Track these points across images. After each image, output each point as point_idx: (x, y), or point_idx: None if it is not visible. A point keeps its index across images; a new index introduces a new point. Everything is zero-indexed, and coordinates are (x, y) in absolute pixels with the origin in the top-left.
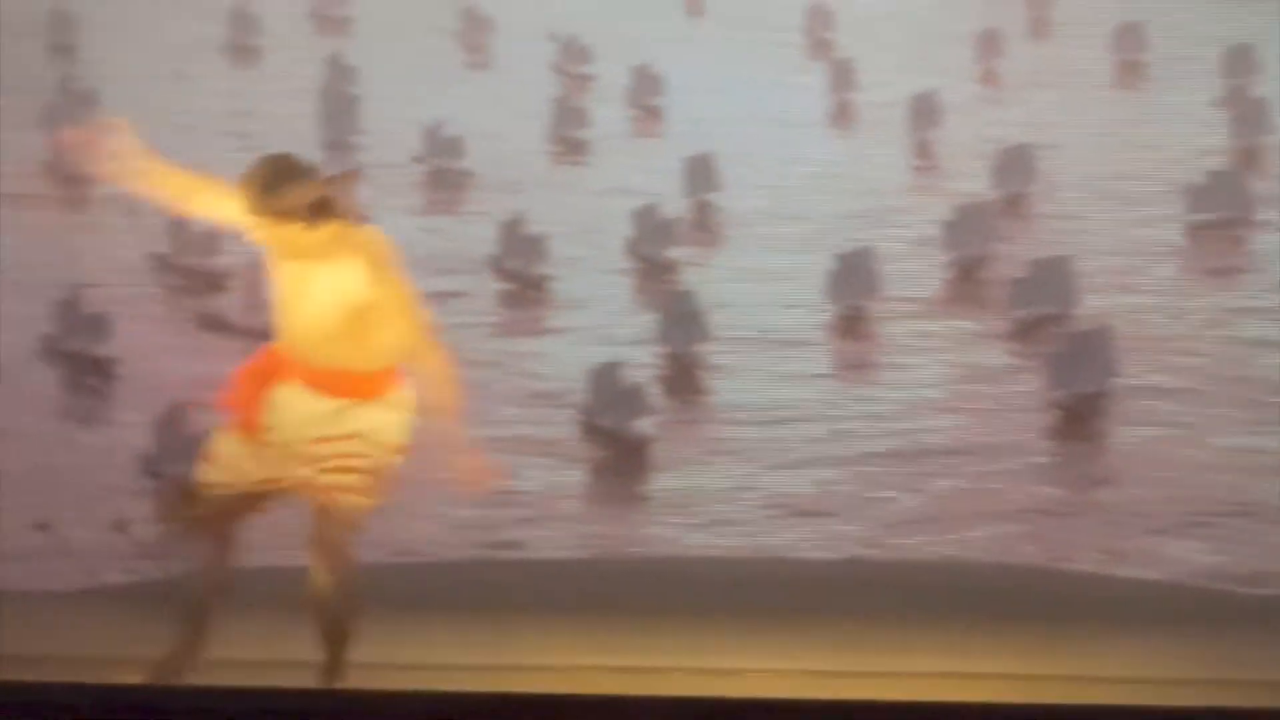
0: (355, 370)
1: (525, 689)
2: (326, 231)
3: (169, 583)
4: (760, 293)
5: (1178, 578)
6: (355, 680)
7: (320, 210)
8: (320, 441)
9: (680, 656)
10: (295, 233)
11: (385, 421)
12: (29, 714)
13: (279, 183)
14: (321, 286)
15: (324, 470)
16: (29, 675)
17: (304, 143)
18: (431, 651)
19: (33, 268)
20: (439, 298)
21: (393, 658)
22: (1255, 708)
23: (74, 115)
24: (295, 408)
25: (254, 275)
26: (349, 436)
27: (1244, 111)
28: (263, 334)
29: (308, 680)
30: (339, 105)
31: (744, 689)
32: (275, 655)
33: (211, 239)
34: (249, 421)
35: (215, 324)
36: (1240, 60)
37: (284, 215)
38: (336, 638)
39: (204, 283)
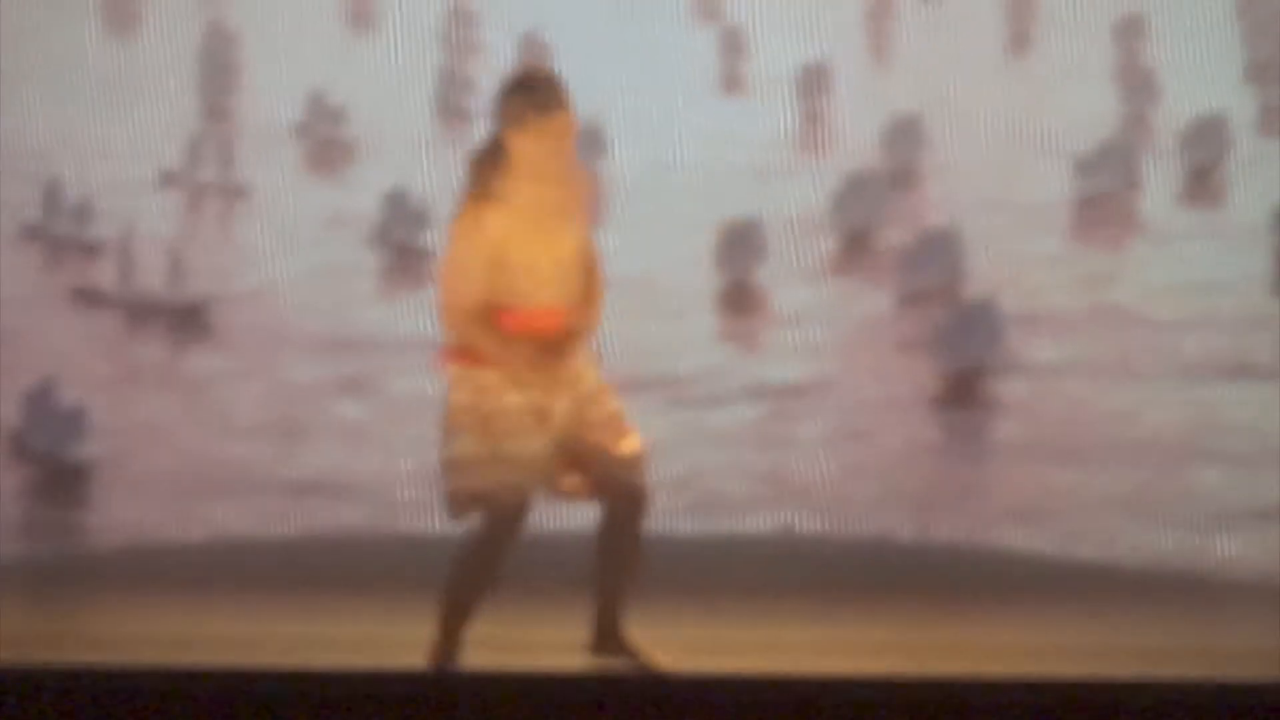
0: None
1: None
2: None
3: (32, 560)
4: (646, 262)
5: (1060, 549)
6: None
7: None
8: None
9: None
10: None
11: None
12: None
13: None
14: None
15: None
16: None
17: (182, 109)
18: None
19: None
20: (321, 269)
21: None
22: (1133, 679)
23: None
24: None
25: (126, 246)
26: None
27: (1133, 81)
28: (135, 304)
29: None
30: (218, 71)
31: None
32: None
33: (85, 208)
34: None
35: (90, 295)
36: (1131, 29)
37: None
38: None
39: (77, 251)
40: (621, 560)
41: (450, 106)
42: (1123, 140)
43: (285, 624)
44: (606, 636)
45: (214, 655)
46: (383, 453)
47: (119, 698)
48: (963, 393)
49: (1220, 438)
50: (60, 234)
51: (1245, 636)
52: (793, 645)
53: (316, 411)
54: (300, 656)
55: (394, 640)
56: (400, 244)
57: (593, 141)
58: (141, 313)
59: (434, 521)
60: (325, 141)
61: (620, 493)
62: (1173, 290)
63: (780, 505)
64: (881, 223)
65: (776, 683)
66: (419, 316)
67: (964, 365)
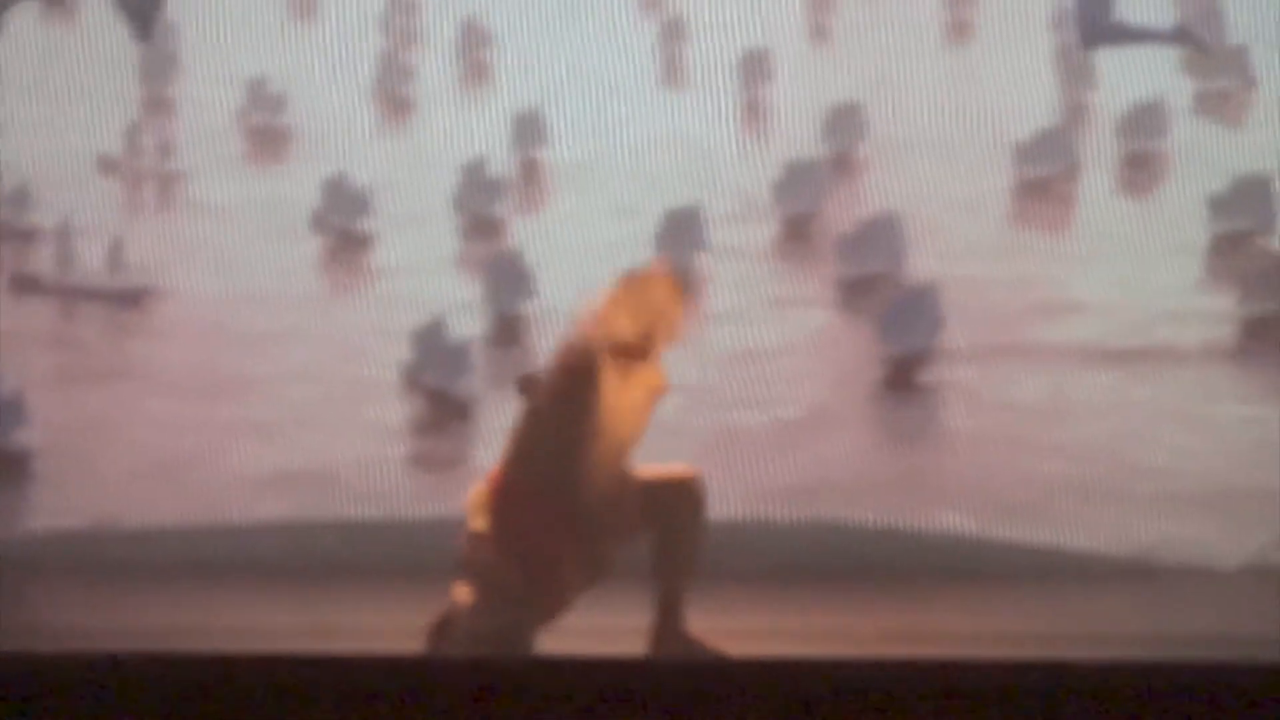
0: None
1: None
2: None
3: None
4: (588, 249)
5: (1001, 533)
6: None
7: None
8: None
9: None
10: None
11: None
12: None
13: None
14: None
15: None
16: None
17: (122, 100)
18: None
19: None
20: (261, 254)
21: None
22: (1081, 660)
23: None
24: None
25: (65, 233)
26: None
27: (1071, 67)
28: (75, 292)
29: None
30: (158, 58)
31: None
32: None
33: (22, 195)
34: None
35: (27, 282)
36: (1069, 17)
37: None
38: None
39: (15, 238)
40: (680, 559)
41: (390, 93)
42: (1061, 126)
43: (231, 610)
44: (667, 629)
45: (154, 641)
46: (318, 441)
47: (57, 684)
48: (905, 378)
49: (1156, 422)
50: None
51: (1189, 620)
52: (741, 631)
53: (259, 395)
54: (242, 644)
55: (319, 627)
56: (340, 229)
57: (533, 129)
58: (80, 300)
59: (375, 508)
60: (265, 129)
61: (670, 496)
62: (1110, 275)
63: (722, 491)
64: (822, 209)
65: (731, 666)
66: (357, 300)
67: (906, 350)
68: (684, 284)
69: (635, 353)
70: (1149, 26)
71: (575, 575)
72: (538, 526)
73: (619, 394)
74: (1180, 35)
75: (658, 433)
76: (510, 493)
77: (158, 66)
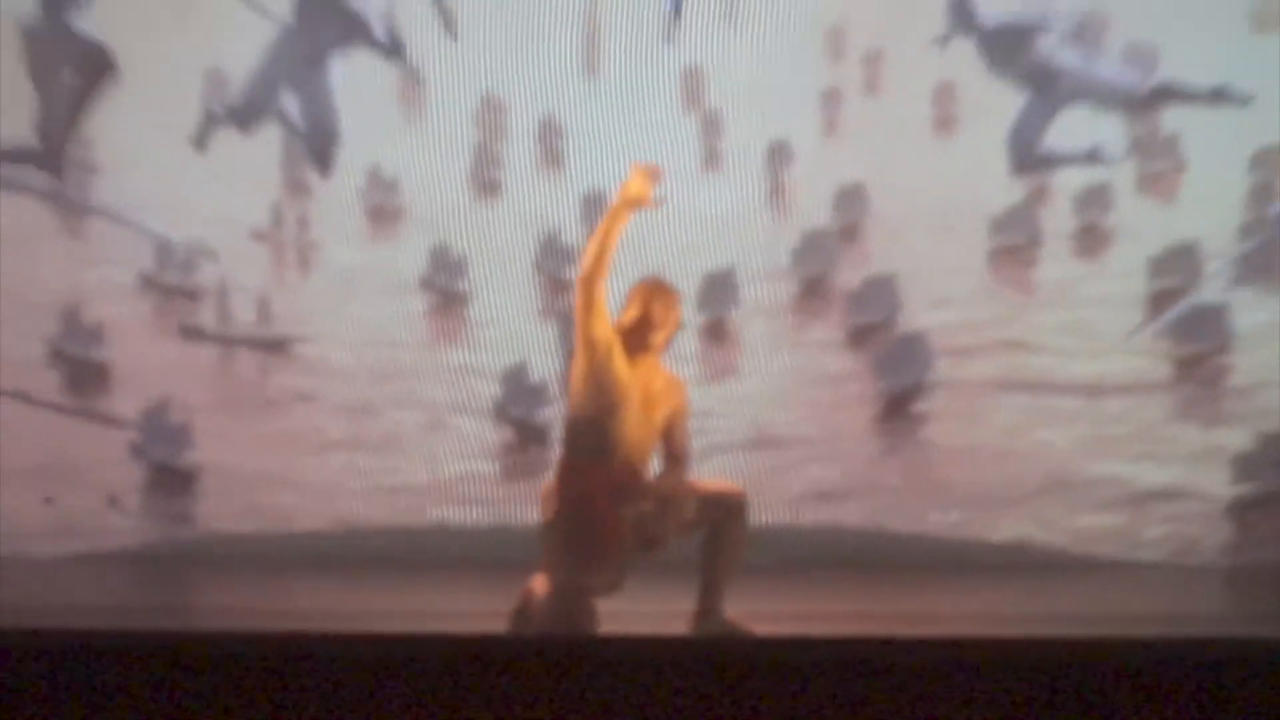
0: None
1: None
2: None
3: (152, 546)
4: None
5: (980, 533)
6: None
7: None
8: None
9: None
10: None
11: None
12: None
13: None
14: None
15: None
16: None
17: (266, 184)
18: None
19: (33, 284)
20: (384, 308)
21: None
22: (1047, 637)
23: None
24: None
25: (223, 291)
26: None
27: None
28: (231, 340)
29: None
30: (295, 153)
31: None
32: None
33: (190, 262)
34: None
35: (194, 332)
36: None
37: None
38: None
39: (184, 297)
40: (724, 558)
41: (483, 178)
42: (1027, 203)
43: (353, 598)
44: (709, 614)
45: (292, 622)
46: (426, 460)
47: (218, 657)
48: (899, 408)
49: (1107, 442)
50: (170, 283)
51: (1137, 603)
52: (768, 615)
53: (378, 422)
54: (362, 625)
55: (422, 612)
56: (442, 288)
57: (598, 207)
58: (236, 347)
59: (468, 514)
60: (381, 207)
61: (720, 507)
62: (1066, 324)
63: (753, 498)
64: (833, 271)
65: (760, 644)
66: (456, 346)
67: (901, 386)
68: (677, 293)
69: (636, 336)
70: (1069, 153)
71: (628, 542)
72: (590, 493)
73: (632, 376)
74: (1093, 157)
75: (703, 451)
76: (567, 470)
77: (296, 157)
